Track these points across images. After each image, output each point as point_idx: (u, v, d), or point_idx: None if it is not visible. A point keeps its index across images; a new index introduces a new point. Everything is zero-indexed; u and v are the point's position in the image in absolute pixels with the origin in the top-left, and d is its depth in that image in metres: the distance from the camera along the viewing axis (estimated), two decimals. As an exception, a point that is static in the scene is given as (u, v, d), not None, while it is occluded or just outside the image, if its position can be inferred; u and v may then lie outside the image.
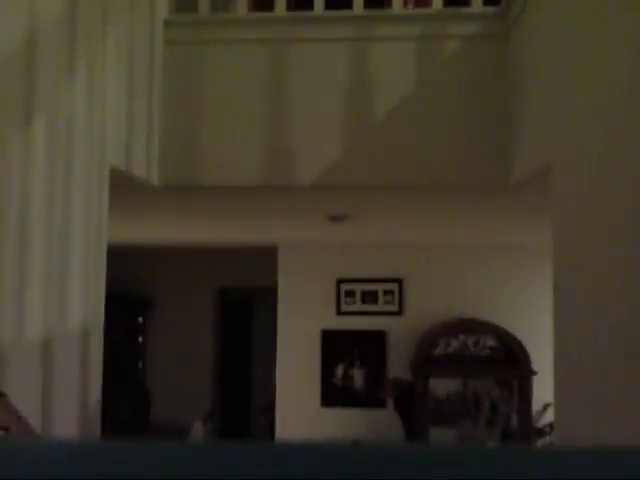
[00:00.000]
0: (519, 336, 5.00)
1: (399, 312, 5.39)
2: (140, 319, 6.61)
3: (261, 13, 3.50)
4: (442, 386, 5.09)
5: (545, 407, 4.82)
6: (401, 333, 5.33)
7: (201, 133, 3.21)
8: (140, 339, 6.61)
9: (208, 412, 6.36)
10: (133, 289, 6.34)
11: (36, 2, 2.35)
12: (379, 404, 5.27)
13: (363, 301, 5.43)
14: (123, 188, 2.96)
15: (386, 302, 5.41)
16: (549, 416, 4.67)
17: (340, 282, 5.43)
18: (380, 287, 5.41)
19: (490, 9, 3.16)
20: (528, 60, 2.89)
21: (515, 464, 0.50)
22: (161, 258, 6.46)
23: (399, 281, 5.40)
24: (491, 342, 5.07)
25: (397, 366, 5.30)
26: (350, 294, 5.43)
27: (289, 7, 3.32)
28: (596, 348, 2.10)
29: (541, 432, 4.90)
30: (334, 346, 5.41)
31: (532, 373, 4.88)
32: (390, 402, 5.13)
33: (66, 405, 2.42)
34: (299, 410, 5.40)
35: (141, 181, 3.04)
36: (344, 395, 5.40)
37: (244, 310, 7.65)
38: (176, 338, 6.56)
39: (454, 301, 5.27)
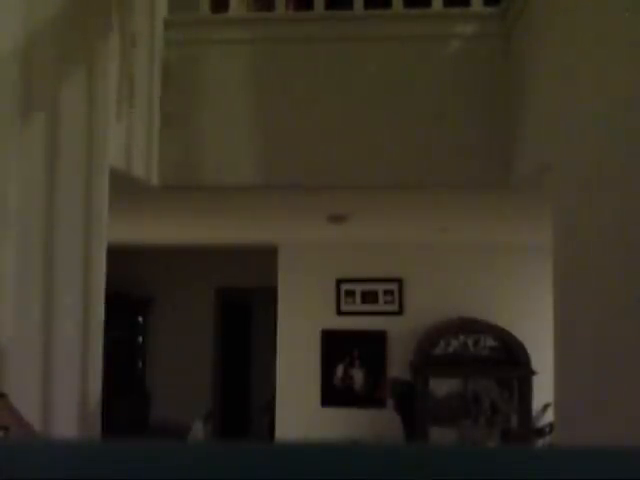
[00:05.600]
0: (519, 336, 5.00)
1: (399, 312, 5.39)
2: (140, 319, 6.61)
3: (261, 13, 3.50)
4: (442, 386, 5.09)
5: (545, 407, 4.82)
6: (401, 333, 5.33)
7: (201, 133, 3.21)
8: (140, 339, 6.61)
9: (208, 412, 6.36)
10: (133, 289, 6.33)
11: (35, 2, 2.35)
12: (379, 404, 5.27)
13: (363, 301, 5.43)
14: (123, 188, 2.95)
15: (386, 302, 5.41)
16: (549, 416, 4.66)
17: (340, 282, 5.43)
18: (380, 287, 5.41)
19: (490, 9, 3.16)
20: (528, 60, 2.89)
21: (515, 464, 0.50)
22: (161, 258, 6.46)
23: (399, 281, 5.40)
24: (491, 342, 5.07)
25: (397, 366, 5.29)
26: (350, 294, 5.43)
27: (288, 7, 3.32)
28: (596, 348, 2.10)
29: (541, 432, 4.90)
30: (334, 346, 5.41)
31: (532, 373, 4.88)
32: (390, 402, 5.13)
33: (66, 405, 2.42)
34: (299, 410, 5.40)
35: (141, 181, 3.04)
36: (344, 395, 5.40)
37: (244, 310, 7.65)
38: (176, 338, 6.56)
39: (454, 301, 5.27)
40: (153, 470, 0.49)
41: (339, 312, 5.44)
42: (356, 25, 3.23)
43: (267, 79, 3.22)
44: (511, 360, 5.01)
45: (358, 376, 5.42)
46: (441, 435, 4.93)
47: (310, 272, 5.47)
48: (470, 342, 5.10)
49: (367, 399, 5.36)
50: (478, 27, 3.16)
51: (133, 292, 6.35)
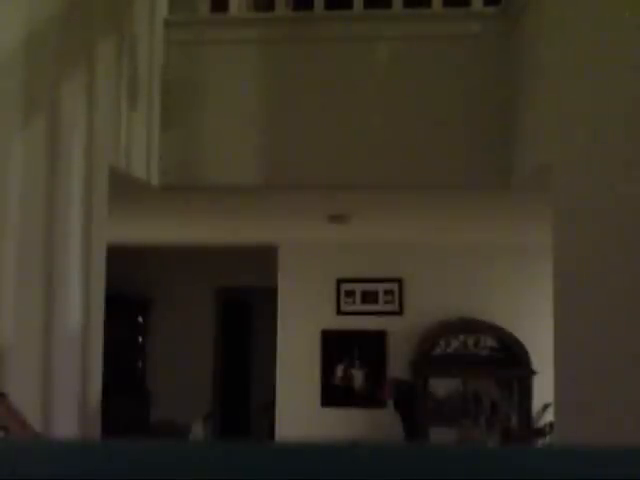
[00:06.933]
0: (519, 336, 5.00)
1: (399, 312, 5.39)
2: (140, 319, 6.61)
3: (261, 13, 3.50)
4: (442, 386, 5.08)
5: (545, 407, 4.82)
6: (401, 333, 5.33)
7: (201, 133, 3.21)
8: (140, 339, 6.61)
9: (208, 412, 6.36)
10: (133, 289, 6.33)
11: (36, 2, 2.35)
12: (379, 404, 5.26)
13: (363, 301, 5.42)
14: (123, 188, 2.95)
15: (386, 302, 5.40)
16: (549, 416, 4.66)
17: (340, 282, 5.43)
18: (380, 287, 5.41)
19: (490, 9, 3.15)
20: (528, 60, 2.88)
21: (515, 464, 0.50)
22: (161, 258, 6.45)
23: (399, 281, 5.39)
24: (491, 342, 5.07)
25: (397, 366, 5.29)
26: (350, 294, 5.42)
27: (288, 6, 3.32)
28: (596, 348, 2.10)
29: (541, 432, 4.90)
30: (334, 346, 5.40)
31: (532, 373, 4.88)
32: (390, 402, 5.12)
33: (66, 405, 2.42)
34: (299, 410, 5.40)
35: (141, 181, 3.04)
36: (344, 395, 5.39)
37: (244, 310, 7.64)
38: (176, 338, 6.56)
39: (454, 301, 5.27)
40: (153, 470, 0.49)
41: (339, 312, 5.43)
42: (356, 25, 3.23)
43: (267, 79, 3.22)
44: (511, 360, 5.01)
45: (358, 376, 5.42)
46: (441, 435, 4.92)
47: (310, 272, 5.47)
48: (470, 342, 5.10)
49: (367, 399, 5.36)
50: (478, 27, 3.16)
51: (133, 292, 6.34)
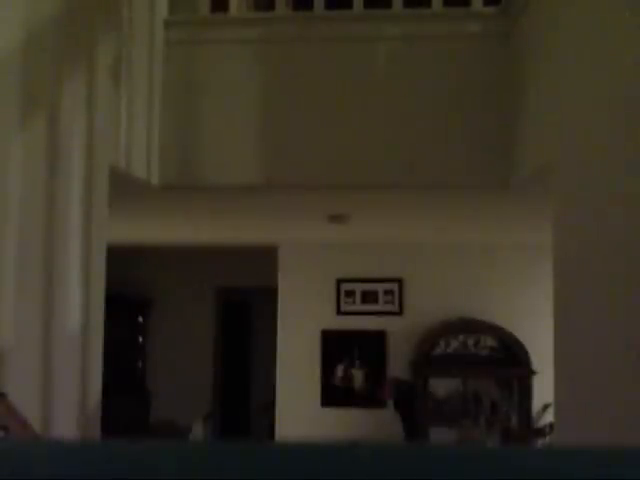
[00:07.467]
0: (519, 336, 5.00)
1: (399, 312, 5.39)
2: (140, 319, 6.61)
3: (261, 13, 3.50)
4: (442, 386, 5.08)
5: (545, 407, 4.82)
6: (401, 333, 5.33)
7: (201, 133, 3.21)
8: (140, 339, 6.61)
9: (208, 412, 6.36)
10: (133, 289, 6.33)
11: (35, 2, 2.35)
12: (379, 404, 5.26)
13: (363, 301, 5.42)
14: (123, 188, 2.95)
15: (386, 302, 5.40)
16: (549, 416, 4.66)
17: (340, 282, 5.43)
18: (380, 287, 5.41)
19: (490, 9, 3.16)
20: (528, 60, 2.89)
21: (515, 464, 0.50)
22: (161, 258, 6.46)
23: (399, 281, 5.39)
24: (491, 342, 5.07)
25: (397, 366, 5.29)
26: (350, 294, 5.43)
27: (288, 6, 3.32)
28: (596, 348, 2.10)
29: (541, 432, 4.90)
30: (334, 346, 5.40)
31: (532, 373, 4.88)
32: (390, 402, 5.13)
33: (66, 405, 2.42)
34: (299, 410, 5.40)
35: (141, 181, 3.04)
36: (344, 395, 5.39)
37: (244, 310, 7.65)
38: (176, 338, 6.56)
39: (454, 301, 5.27)
40: (153, 470, 0.49)
41: (339, 312, 5.43)
42: (356, 25, 3.23)
43: (267, 79, 3.22)
44: (511, 360, 5.01)
45: (358, 376, 5.42)
46: (441, 435, 4.92)
47: (310, 272, 5.47)
48: (470, 342, 5.10)
49: (367, 399, 5.36)
50: (478, 27, 3.16)
51: (133, 292, 6.34)
